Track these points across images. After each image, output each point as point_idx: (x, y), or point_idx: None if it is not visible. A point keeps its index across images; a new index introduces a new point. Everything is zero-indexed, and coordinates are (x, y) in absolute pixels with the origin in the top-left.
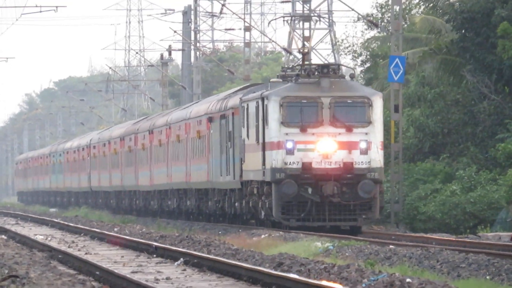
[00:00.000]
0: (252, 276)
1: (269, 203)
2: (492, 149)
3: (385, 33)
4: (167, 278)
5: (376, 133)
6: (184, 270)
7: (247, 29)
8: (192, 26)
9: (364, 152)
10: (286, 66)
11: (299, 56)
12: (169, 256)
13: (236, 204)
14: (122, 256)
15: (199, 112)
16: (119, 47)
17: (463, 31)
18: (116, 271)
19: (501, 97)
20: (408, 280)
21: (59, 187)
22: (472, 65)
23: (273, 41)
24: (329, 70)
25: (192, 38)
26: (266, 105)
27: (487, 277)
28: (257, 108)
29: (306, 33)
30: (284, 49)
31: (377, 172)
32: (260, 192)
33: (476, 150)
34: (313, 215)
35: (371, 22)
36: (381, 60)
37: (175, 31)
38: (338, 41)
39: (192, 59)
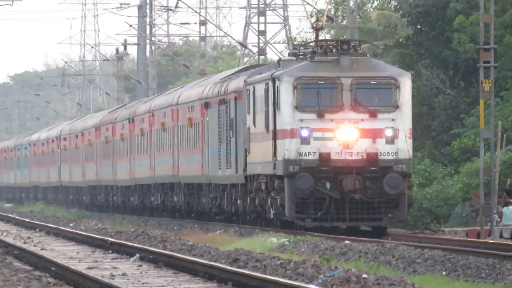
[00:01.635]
0: (208, 272)
1: (280, 200)
2: (447, 147)
3: (340, 27)
4: (123, 274)
5: (404, 119)
6: (140, 266)
7: (202, 23)
8: (148, 20)
9: (391, 141)
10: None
11: (255, 50)
12: (125, 252)
13: (238, 201)
14: (78, 252)
15: (190, 97)
16: (75, 42)
17: (418, 25)
18: (72, 267)
19: (456, 91)
20: (364, 275)
21: (25, 182)
22: (428, 59)
23: (228, 35)
24: (349, 47)
25: (148, 32)
26: (277, 87)
27: (443, 273)
28: (266, 90)
29: (262, 27)
30: (240, 43)
31: (405, 164)
32: (270, 188)
33: (431, 145)
34: (332, 214)
35: (327, 17)
36: None
37: (130, 25)
38: (292, 36)
39: (148, 53)
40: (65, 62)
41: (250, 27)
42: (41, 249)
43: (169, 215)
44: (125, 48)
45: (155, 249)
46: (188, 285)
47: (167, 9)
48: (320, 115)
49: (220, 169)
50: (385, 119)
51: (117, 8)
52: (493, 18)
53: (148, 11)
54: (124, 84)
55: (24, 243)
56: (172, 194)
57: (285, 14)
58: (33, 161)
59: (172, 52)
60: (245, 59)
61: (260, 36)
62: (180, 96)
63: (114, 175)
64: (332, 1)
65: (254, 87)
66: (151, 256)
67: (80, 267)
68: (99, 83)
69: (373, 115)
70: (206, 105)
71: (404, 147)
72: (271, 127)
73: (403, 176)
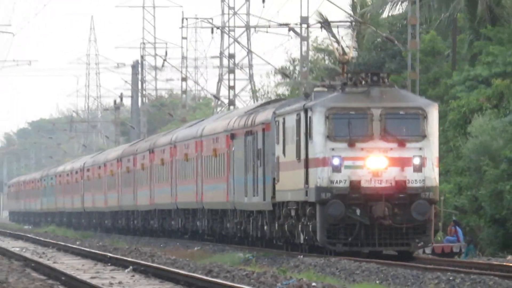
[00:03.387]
0: (187, 281)
1: (312, 226)
2: None
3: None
4: (119, 283)
5: (431, 148)
6: (133, 276)
7: (184, 79)
8: (139, 77)
9: (418, 169)
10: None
11: (226, 101)
12: (121, 264)
13: (265, 227)
14: (83, 265)
15: (215, 129)
16: (80, 94)
17: None
18: (78, 276)
19: None
20: (313, 284)
21: (50, 208)
22: None
23: (204, 89)
24: (379, 79)
25: (139, 87)
26: (310, 117)
27: (377, 282)
28: (298, 121)
29: (232, 83)
30: (214, 95)
31: (432, 191)
32: (300, 214)
33: None
34: (362, 239)
35: (284, 74)
36: None
37: (125, 81)
38: (256, 89)
39: (139, 104)
40: (73, 111)
41: (222, 82)
42: (54, 262)
43: (190, 238)
44: (121, 100)
45: (145, 262)
46: None
47: (155, 68)
48: (351, 144)
49: (246, 196)
50: (413, 148)
51: (115, 67)
52: (418, 75)
53: (140, 69)
54: (120, 129)
55: (40, 257)
56: (195, 219)
57: (250, 72)
58: (59, 189)
59: (159, 103)
60: (218, 109)
61: (230, 90)
62: (204, 129)
63: (135, 201)
64: (355, 39)
65: (284, 118)
66: (142, 268)
67: (85, 277)
68: (100, 128)
69: (401, 144)
70: (232, 137)
71: (431, 174)
72: (302, 156)
73: (430, 203)
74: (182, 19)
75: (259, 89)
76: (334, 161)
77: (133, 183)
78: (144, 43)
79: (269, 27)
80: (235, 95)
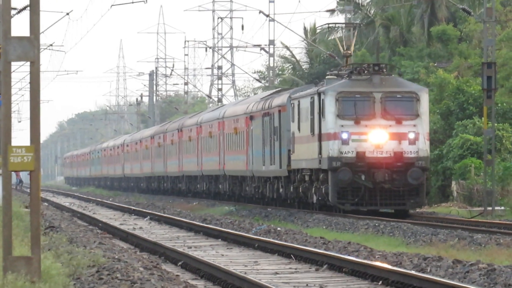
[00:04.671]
0: (188, 226)
1: (325, 189)
2: None
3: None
4: (140, 228)
5: (423, 125)
6: (150, 223)
7: (185, 84)
8: (154, 82)
9: (413, 142)
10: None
11: (216, 99)
12: (141, 214)
13: (281, 190)
14: (114, 215)
15: (236, 112)
16: (112, 94)
17: None
18: (110, 223)
19: None
20: (278, 228)
21: (97, 174)
22: None
23: (201, 91)
24: (380, 68)
25: (154, 89)
26: (322, 99)
27: (324, 227)
28: (312, 103)
29: (220, 87)
30: (207, 95)
31: (424, 160)
32: (314, 179)
33: None
34: (366, 200)
35: (258, 79)
36: None
37: (144, 85)
38: (239, 90)
39: (154, 101)
40: (107, 106)
41: (213, 86)
42: (93, 213)
43: (212, 197)
44: (141, 98)
45: (158, 213)
46: (177, 234)
47: (165, 75)
48: (357, 122)
49: (263, 165)
50: (408, 125)
51: (137, 75)
52: None
53: (154, 77)
54: (141, 119)
55: (83, 209)
56: (217, 183)
57: (233, 79)
58: (103, 160)
59: (168, 100)
60: (210, 104)
61: (219, 91)
62: (225, 112)
63: (165, 169)
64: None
65: (299, 101)
66: (156, 217)
67: (115, 223)
68: (126, 118)
69: (399, 121)
70: (251, 118)
71: (423, 147)
72: (316, 131)
73: (422, 170)
74: (185, 41)
75: (241, 89)
76: (343, 136)
77: (163, 154)
78: (157, 58)
79: (246, 47)
80: (222, 95)
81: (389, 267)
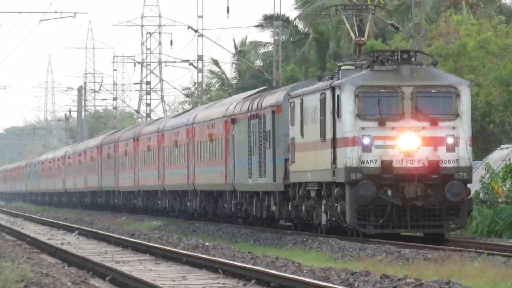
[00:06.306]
0: (117, 242)
1: (341, 207)
2: None
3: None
4: (68, 242)
5: (464, 127)
6: (78, 237)
7: (114, 99)
8: (83, 97)
9: (452, 149)
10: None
11: (144, 114)
12: (69, 229)
13: (273, 208)
14: (42, 230)
15: (210, 116)
16: (41, 109)
17: None
18: (38, 238)
19: None
20: (206, 243)
21: (34, 189)
22: None
23: (129, 106)
24: (409, 56)
25: (83, 104)
26: (337, 95)
27: (252, 242)
28: (322, 100)
29: (149, 102)
30: (135, 110)
31: (466, 172)
32: (324, 195)
33: None
34: (393, 220)
35: (187, 95)
36: None
37: (73, 100)
38: (168, 107)
39: (83, 116)
40: (35, 121)
41: (141, 101)
42: (21, 228)
43: (183, 216)
44: (70, 113)
45: (87, 228)
46: (106, 249)
47: (94, 90)
48: (382, 123)
49: (250, 178)
50: (446, 127)
51: (65, 90)
52: None
53: (83, 92)
54: (69, 134)
55: (11, 224)
56: (184, 200)
57: (162, 94)
58: (42, 174)
59: (97, 115)
60: (138, 120)
61: (147, 106)
62: (196, 116)
63: (117, 183)
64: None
65: (301, 99)
66: (84, 232)
67: (43, 238)
68: (55, 133)
69: (434, 123)
70: (233, 121)
71: (465, 154)
72: (328, 136)
73: (464, 183)
74: (113, 56)
75: (171, 104)
76: (364, 141)
77: (114, 167)
78: (86, 73)
79: (175, 62)
80: (151, 110)
81: (317, 282)
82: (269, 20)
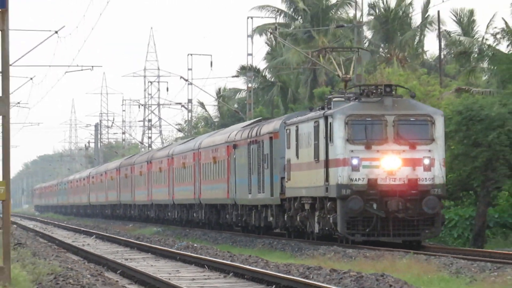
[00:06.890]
0: (125, 243)
1: (333, 219)
2: None
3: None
4: (88, 244)
5: (439, 150)
6: (96, 240)
7: (123, 133)
8: (99, 132)
9: (428, 168)
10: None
11: (147, 145)
12: (89, 234)
13: (270, 218)
14: (68, 234)
15: (214, 142)
16: (66, 141)
17: None
18: (64, 240)
19: None
20: (195, 244)
21: (64, 203)
22: None
23: (134, 138)
24: (391, 90)
25: (99, 137)
26: (330, 123)
27: (230, 243)
28: (316, 127)
29: (150, 135)
30: (140, 142)
31: (440, 188)
32: (317, 207)
33: None
34: (378, 230)
35: (179, 130)
36: None
37: (91, 134)
38: (165, 139)
39: (99, 146)
40: (62, 150)
41: (145, 135)
42: (52, 233)
43: (190, 225)
44: (89, 144)
45: (102, 233)
46: (117, 249)
47: (107, 127)
48: (368, 147)
49: (250, 193)
50: (423, 150)
51: (85, 126)
52: None
53: (99, 128)
54: (88, 160)
55: (44, 230)
56: (192, 212)
57: (160, 129)
58: (70, 191)
59: (109, 146)
60: (142, 149)
61: (149, 139)
62: (202, 142)
63: (133, 198)
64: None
65: (297, 126)
66: (100, 236)
67: (68, 241)
68: (77, 159)
69: (413, 146)
70: (234, 146)
71: (439, 173)
72: (322, 157)
73: (438, 198)
74: (122, 100)
75: (167, 137)
76: (353, 161)
77: (131, 185)
78: (101, 113)
79: (170, 104)
80: (151, 142)
81: (281, 274)
82: (243, 71)
